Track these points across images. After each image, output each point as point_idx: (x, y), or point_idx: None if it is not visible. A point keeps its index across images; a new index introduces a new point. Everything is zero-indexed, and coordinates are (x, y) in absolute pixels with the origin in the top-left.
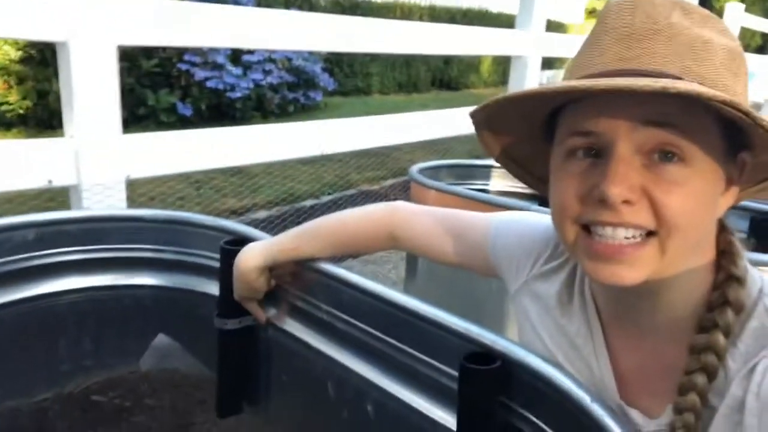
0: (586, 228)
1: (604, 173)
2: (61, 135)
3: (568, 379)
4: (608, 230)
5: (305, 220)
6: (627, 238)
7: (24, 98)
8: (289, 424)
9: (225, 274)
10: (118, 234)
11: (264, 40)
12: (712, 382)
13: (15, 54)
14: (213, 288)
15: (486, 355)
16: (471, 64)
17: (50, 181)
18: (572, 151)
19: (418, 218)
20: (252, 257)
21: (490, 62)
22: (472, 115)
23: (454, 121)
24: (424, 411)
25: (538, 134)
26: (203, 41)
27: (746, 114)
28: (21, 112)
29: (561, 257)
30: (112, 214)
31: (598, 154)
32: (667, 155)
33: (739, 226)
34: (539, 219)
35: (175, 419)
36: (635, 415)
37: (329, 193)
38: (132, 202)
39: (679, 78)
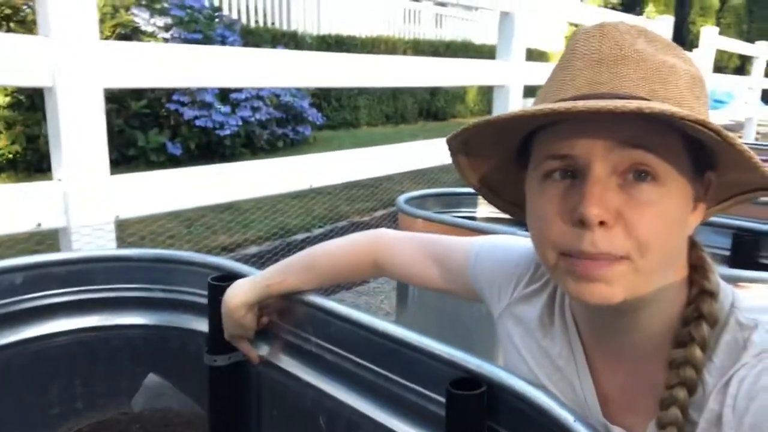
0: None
1: (581, 195)
2: (51, 178)
3: (552, 400)
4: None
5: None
6: (602, 254)
7: (13, 143)
8: None
9: (213, 310)
10: (105, 274)
11: (252, 79)
12: (692, 396)
13: (3, 99)
14: (202, 325)
15: (472, 380)
16: (456, 94)
17: (39, 224)
18: (548, 173)
19: (400, 244)
20: (239, 294)
21: (476, 92)
22: (449, 141)
23: (441, 150)
24: None
25: (512, 160)
26: (191, 82)
27: (717, 132)
28: (10, 156)
29: (541, 280)
30: (99, 255)
31: (575, 175)
32: (641, 174)
33: (721, 243)
34: (519, 242)
35: None
36: None
37: (320, 226)
38: (122, 242)
39: (648, 100)
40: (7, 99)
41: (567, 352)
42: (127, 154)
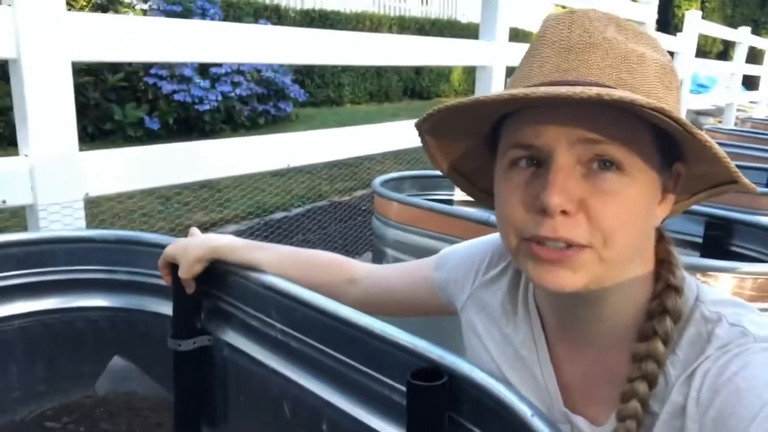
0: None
1: (544, 183)
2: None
3: (511, 393)
4: (548, 242)
5: (274, 233)
6: (568, 246)
7: None
8: None
9: (178, 293)
10: (67, 256)
11: (231, 55)
12: (653, 389)
13: None
14: (167, 308)
15: (434, 370)
16: (441, 73)
17: (4, 201)
18: (514, 161)
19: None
20: (204, 243)
21: (461, 71)
22: (417, 126)
23: None
24: (378, 428)
25: (482, 148)
26: (166, 57)
27: (677, 121)
28: None
29: (499, 265)
30: (60, 236)
31: (540, 163)
32: (605, 164)
33: (694, 231)
34: (480, 239)
35: None
36: (581, 422)
37: (299, 205)
38: (94, 219)
39: (614, 88)
40: None
41: (529, 341)
42: (103, 128)
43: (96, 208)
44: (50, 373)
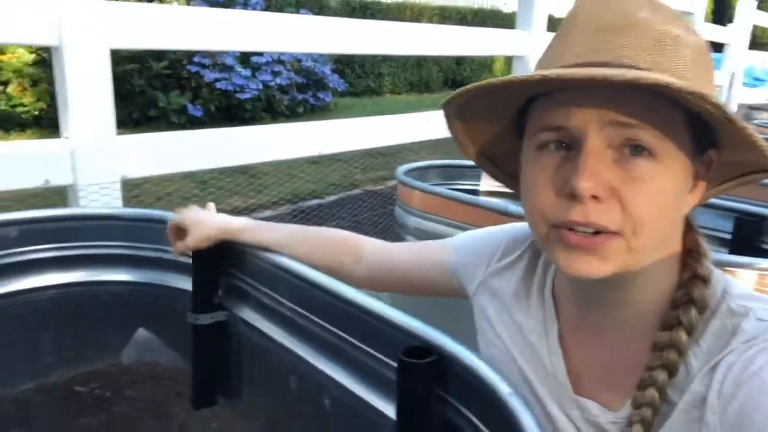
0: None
1: (574, 168)
2: None
3: (492, 372)
4: (579, 228)
5: (308, 218)
6: (598, 232)
7: (38, 100)
8: (259, 417)
9: (197, 270)
10: (96, 232)
11: (272, 44)
12: (672, 379)
13: (29, 57)
14: (188, 284)
15: (424, 349)
16: (483, 63)
17: (47, 181)
18: (543, 144)
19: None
20: (218, 223)
21: (503, 62)
22: (444, 106)
23: None
24: (374, 404)
25: (509, 130)
26: (206, 45)
27: (714, 106)
28: (35, 113)
29: (514, 253)
30: (90, 213)
31: (570, 146)
32: (637, 149)
33: (723, 227)
34: (495, 228)
35: (153, 410)
36: (593, 406)
37: (333, 194)
38: (135, 200)
39: (650, 71)
40: (32, 56)
41: (540, 327)
42: (148, 114)
43: (135, 190)
44: (78, 343)
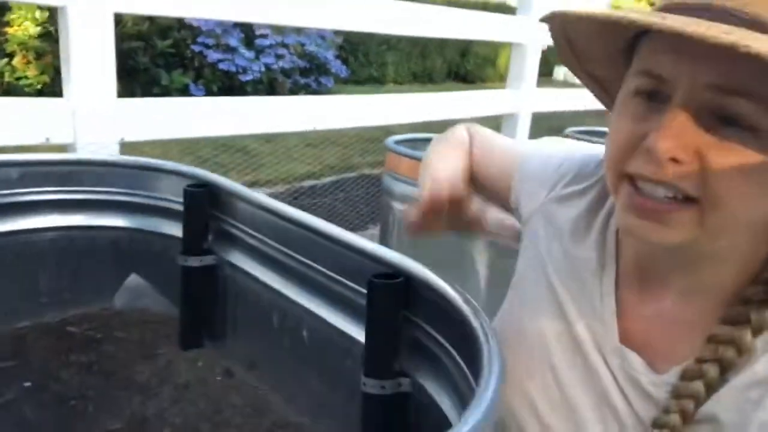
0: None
1: (658, 123)
2: None
3: (457, 294)
4: (649, 185)
5: (303, 198)
6: (668, 197)
7: (42, 73)
8: (244, 357)
9: (188, 214)
10: (94, 178)
11: (272, 16)
12: (723, 376)
13: (34, 30)
14: (180, 231)
15: (393, 275)
16: (487, 57)
17: (48, 139)
18: (638, 90)
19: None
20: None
21: (508, 56)
22: (547, 20)
23: (453, 104)
24: (346, 330)
25: (618, 58)
26: (205, 13)
27: None
28: (38, 87)
29: (583, 183)
30: (89, 159)
31: (662, 99)
32: (734, 118)
33: None
34: (567, 149)
35: (141, 350)
36: (636, 360)
37: (330, 175)
38: None
39: (762, 20)
40: (38, 29)
41: (596, 265)
42: (151, 91)
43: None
44: (74, 284)
